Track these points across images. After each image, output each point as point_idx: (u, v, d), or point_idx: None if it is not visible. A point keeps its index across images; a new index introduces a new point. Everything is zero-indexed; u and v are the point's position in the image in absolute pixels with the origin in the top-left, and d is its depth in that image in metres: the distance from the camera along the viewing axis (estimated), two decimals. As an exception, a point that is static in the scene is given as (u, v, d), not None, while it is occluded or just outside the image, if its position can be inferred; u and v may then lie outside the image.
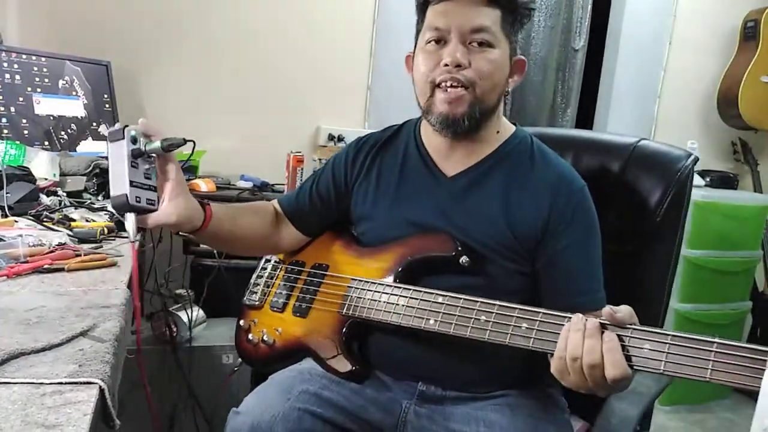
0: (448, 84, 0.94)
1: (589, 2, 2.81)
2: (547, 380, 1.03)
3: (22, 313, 0.77)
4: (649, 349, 0.72)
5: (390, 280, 0.99)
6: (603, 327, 0.75)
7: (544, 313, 0.82)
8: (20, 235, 1.06)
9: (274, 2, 2.32)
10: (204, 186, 1.99)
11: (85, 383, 0.60)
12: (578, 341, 0.75)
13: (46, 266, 0.96)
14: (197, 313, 1.73)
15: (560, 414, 1.03)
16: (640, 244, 1.13)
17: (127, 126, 0.86)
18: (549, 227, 0.96)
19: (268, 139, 2.35)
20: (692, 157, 1.12)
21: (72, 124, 1.90)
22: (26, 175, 1.38)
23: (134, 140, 0.85)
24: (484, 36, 0.94)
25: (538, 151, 1.03)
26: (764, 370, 0.63)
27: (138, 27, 2.17)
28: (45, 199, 1.37)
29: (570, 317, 0.79)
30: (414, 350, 0.99)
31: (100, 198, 1.53)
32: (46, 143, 1.80)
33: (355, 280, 1.02)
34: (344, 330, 1.01)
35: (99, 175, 1.56)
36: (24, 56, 1.81)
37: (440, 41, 0.96)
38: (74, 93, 1.92)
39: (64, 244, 1.09)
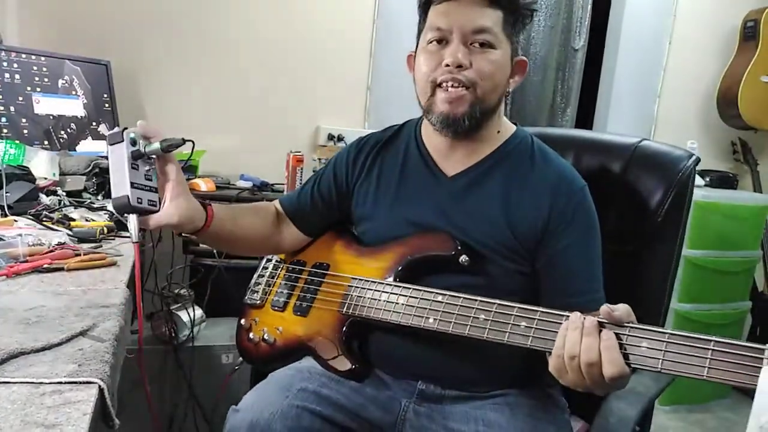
0: (449, 84, 0.95)
1: (589, 2, 2.81)
2: (547, 380, 1.03)
3: (22, 313, 0.77)
4: (647, 348, 0.72)
5: (390, 279, 0.99)
6: (601, 325, 0.75)
7: (542, 312, 0.82)
8: (20, 235, 1.06)
9: (274, 2, 2.32)
10: (204, 186, 1.99)
11: (84, 383, 0.60)
12: (576, 339, 0.75)
13: (45, 266, 0.96)
14: (197, 312, 1.73)
15: (560, 414, 1.03)
16: (641, 244, 1.13)
17: (126, 128, 0.86)
18: (549, 227, 0.96)
19: (267, 139, 2.35)
20: (694, 158, 1.12)
21: (72, 124, 1.90)
22: (26, 175, 1.38)
23: (133, 142, 0.86)
24: (485, 37, 0.94)
25: (538, 150, 1.03)
26: (761, 368, 0.63)
27: (138, 27, 2.16)
28: (44, 199, 1.37)
29: (568, 316, 0.79)
30: (413, 349, 0.99)
31: (99, 197, 1.53)
32: (46, 143, 1.80)
33: (356, 279, 1.02)
34: (344, 329, 1.01)
35: (98, 175, 1.56)
36: (24, 56, 1.81)
37: (442, 41, 0.96)
38: (74, 92, 1.92)
39: (64, 243, 1.09)
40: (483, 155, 1.03)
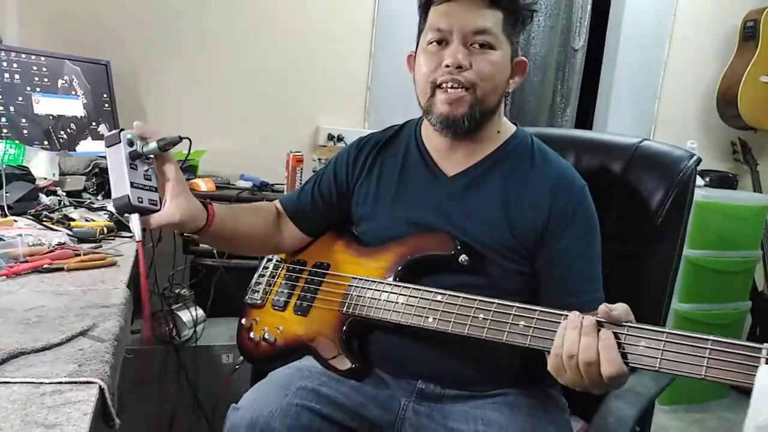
0: (449, 85, 0.95)
1: (588, 2, 2.81)
2: (547, 380, 1.03)
3: (22, 313, 0.77)
4: (645, 347, 0.73)
5: (390, 279, 0.99)
6: (599, 325, 0.76)
7: (541, 311, 0.82)
8: (20, 235, 1.06)
9: (274, 2, 2.32)
10: (204, 186, 1.99)
11: (84, 383, 0.60)
12: (575, 339, 0.75)
13: (45, 266, 0.96)
14: (197, 312, 1.73)
15: (560, 414, 1.03)
16: (641, 244, 1.13)
17: (122, 129, 0.87)
18: (549, 227, 0.96)
19: (267, 139, 2.35)
20: (695, 158, 1.12)
21: (71, 124, 1.90)
22: (26, 175, 1.38)
23: (131, 143, 0.87)
24: (485, 38, 0.95)
25: (538, 150, 1.03)
26: (758, 367, 0.63)
27: (138, 27, 2.16)
28: (44, 199, 1.37)
29: (567, 315, 0.79)
30: (413, 348, 0.99)
31: (99, 198, 1.53)
32: (46, 143, 1.80)
33: (356, 279, 1.02)
34: (344, 328, 1.01)
35: (98, 175, 1.56)
36: (23, 56, 1.81)
37: (442, 42, 0.96)
38: (74, 92, 1.92)
39: (64, 243, 1.08)
40: (483, 155, 1.03)
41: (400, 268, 1.00)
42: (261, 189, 2.14)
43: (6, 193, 1.27)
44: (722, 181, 2.75)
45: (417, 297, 0.93)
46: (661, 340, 0.72)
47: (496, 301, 0.86)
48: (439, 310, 0.90)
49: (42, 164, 1.51)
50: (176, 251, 1.86)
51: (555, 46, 2.83)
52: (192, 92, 2.26)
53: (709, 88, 2.90)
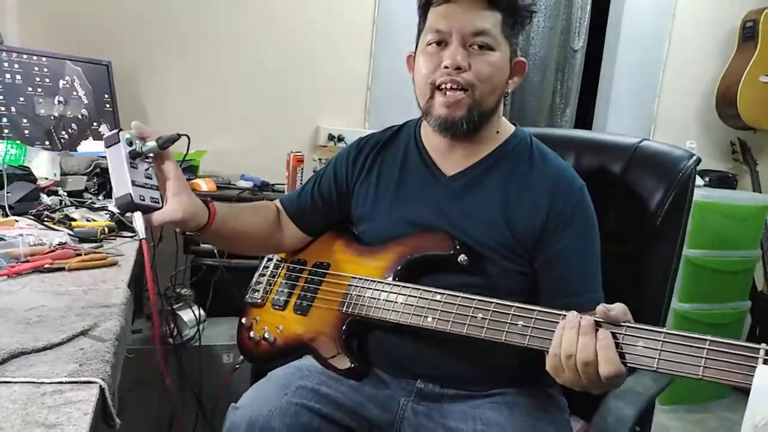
0: (448, 86, 0.95)
1: (588, 2, 2.81)
2: (547, 379, 1.03)
3: (23, 313, 0.77)
4: (643, 347, 0.73)
5: (389, 278, 1.00)
6: (597, 325, 0.76)
7: (539, 311, 0.83)
8: (21, 235, 1.06)
9: (274, 2, 2.32)
10: (204, 186, 1.99)
11: (85, 382, 0.60)
12: (573, 339, 0.75)
13: (46, 266, 0.96)
14: (198, 312, 1.73)
15: (559, 414, 1.03)
16: (641, 244, 1.13)
17: (121, 129, 0.88)
18: (548, 227, 0.96)
19: (268, 139, 2.35)
20: (694, 158, 1.12)
21: (73, 124, 1.90)
22: (27, 175, 1.38)
23: (130, 142, 0.87)
24: (484, 39, 0.95)
25: (537, 150, 1.04)
26: (755, 367, 0.64)
27: (138, 27, 2.17)
28: (45, 199, 1.37)
29: (565, 315, 0.79)
30: (412, 348, 0.99)
31: (100, 198, 1.54)
32: (47, 143, 1.80)
33: (355, 278, 1.02)
34: (344, 328, 1.02)
35: (99, 175, 1.56)
36: (24, 56, 1.81)
37: (441, 43, 0.96)
38: (75, 93, 1.92)
39: (65, 243, 1.09)
40: (482, 155, 1.03)
41: (399, 267, 1.00)
42: (261, 189, 2.14)
43: (7, 193, 1.27)
44: (722, 181, 2.75)
45: (416, 297, 0.93)
46: (659, 340, 0.72)
47: (495, 300, 0.86)
48: (438, 310, 0.90)
49: (43, 164, 1.51)
50: (177, 251, 1.86)
51: (554, 47, 2.83)
52: (193, 92, 2.26)
53: (708, 88, 2.90)
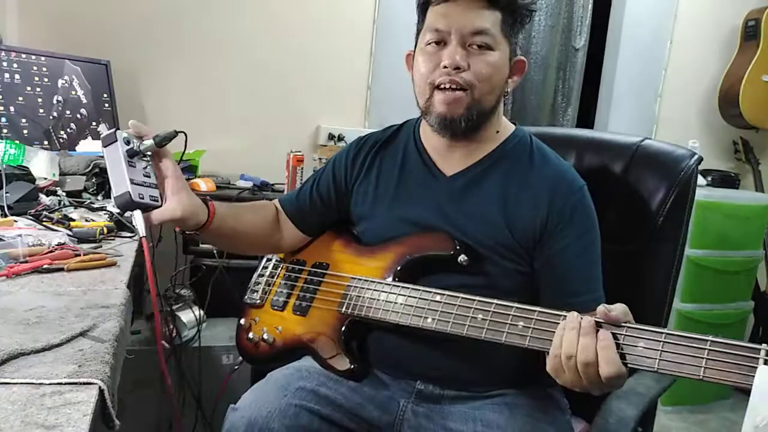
0: (447, 86, 0.95)
1: (589, 1, 2.81)
2: (547, 380, 1.02)
3: (22, 313, 0.77)
4: (644, 347, 0.73)
5: (389, 279, 0.99)
6: (598, 325, 0.75)
7: (539, 312, 0.82)
8: (19, 235, 1.06)
9: (274, 2, 2.31)
10: (204, 185, 1.99)
11: (84, 384, 0.60)
12: (573, 339, 0.75)
13: (45, 266, 0.96)
14: (198, 313, 1.73)
15: (560, 415, 1.03)
16: (643, 244, 1.12)
17: (118, 128, 0.88)
18: (548, 227, 0.96)
19: (268, 139, 2.35)
20: (696, 157, 1.11)
21: (71, 124, 1.90)
22: (26, 175, 1.38)
23: (127, 141, 0.87)
24: (483, 39, 0.94)
25: (537, 150, 1.03)
26: (756, 367, 0.63)
27: (138, 27, 2.16)
28: (44, 199, 1.37)
29: (565, 315, 0.79)
30: (412, 349, 0.99)
31: (99, 198, 1.53)
32: (46, 143, 1.80)
33: (355, 278, 1.02)
34: (343, 328, 1.01)
35: (98, 175, 1.56)
36: (23, 56, 1.81)
37: (440, 43, 0.96)
38: (74, 92, 1.92)
39: (64, 243, 1.08)
40: (482, 155, 1.03)
41: (399, 268, 0.99)
42: (261, 189, 2.14)
43: (6, 193, 1.27)
44: (724, 180, 2.75)
45: (416, 297, 0.93)
46: (660, 341, 0.72)
47: (495, 301, 0.86)
48: (437, 311, 0.90)
49: (42, 164, 1.51)
50: (177, 251, 1.86)
51: (556, 46, 2.83)
52: (192, 92, 2.26)
53: (710, 87, 2.89)
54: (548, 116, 2.91)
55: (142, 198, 0.86)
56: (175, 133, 0.90)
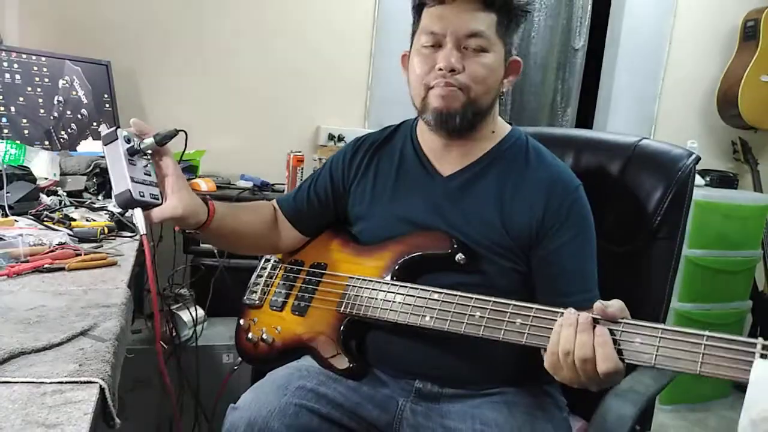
0: (442, 86, 0.95)
1: (589, 2, 2.81)
2: (546, 378, 1.03)
3: (23, 313, 0.77)
4: (640, 343, 0.73)
5: (387, 278, 1.00)
6: (595, 322, 0.76)
7: (537, 309, 0.83)
8: (20, 235, 1.06)
9: (274, 2, 2.32)
10: (204, 185, 1.99)
11: (85, 382, 0.60)
12: (570, 336, 0.76)
13: (46, 266, 0.96)
14: (197, 312, 1.73)
15: (558, 412, 1.03)
16: (641, 244, 1.13)
17: (118, 127, 0.88)
18: (543, 226, 0.96)
19: (268, 139, 2.35)
20: (693, 156, 1.12)
21: (72, 124, 1.90)
22: (26, 175, 1.38)
23: (127, 140, 0.87)
24: (478, 41, 0.94)
25: (533, 150, 1.04)
26: (752, 361, 0.64)
27: (138, 27, 2.17)
28: (45, 199, 1.37)
29: (562, 312, 0.79)
30: (411, 348, 0.99)
31: (100, 197, 1.54)
32: (47, 143, 1.80)
33: (353, 278, 1.02)
34: (342, 328, 1.02)
35: (99, 175, 1.56)
36: (24, 56, 1.81)
37: (435, 45, 0.96)
38: (74, 93, 1.92)
39: (65, 243, 1.09)
40: (478, 155, 1.03)
41: (397, 267, 1.00)
42: (261, 189, 2.15)
43: (7, 193, 1.27)
44: (723, 180, 2.75)
45: (414, 296, 0.93)
46: (657, 336, 0.72)
47: (493, 299, 0.86)
48: (435, 309, 0.90)
49: (43, 164, 1.51)
50: (176, 251, 1.86)
51: (555, 46, 2.83)
52: (192, 92, 2.26)
53: (709, 87, 2.89)
54: (547, 116, 2.91)
55: (143, 196, 0.86)
56: (176, 132, 0.90)
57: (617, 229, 1.13)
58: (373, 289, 0.99)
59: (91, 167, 1.57)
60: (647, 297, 1.12)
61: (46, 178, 1.49)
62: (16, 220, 1.21)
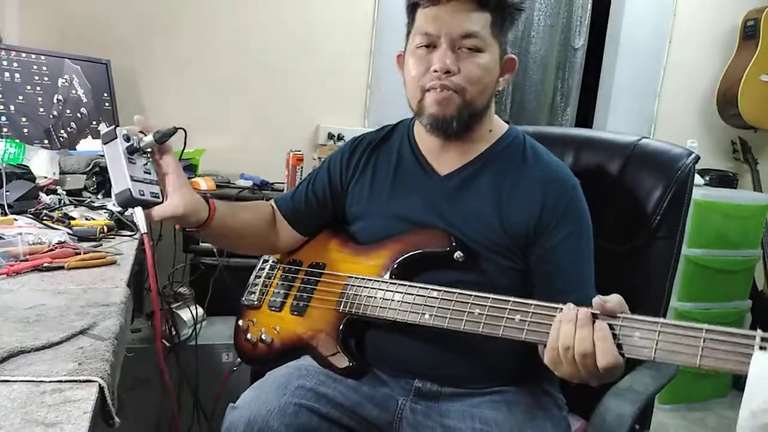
0: (438, 90, 0.95)
1: (589, 1, 2.81)
2: (545, 377, 1.03)
3: (22, 311, 0.77)
4: (639, 337, 0.73)
5: (386, 276, 1.00)
6: (594, 317, 0.76)
7: (536, 305, 0.83)
8: (20, 234, 1.06)
9: (274, 2, 2.31)
10: (204, 184, 1.99)
11: (84, 381, 0.60)
12: (570, 331, 0.76)
13: (45, 264, 0.96)
14: (197, 311, 1.73)
15: (558, 411, 1.03)
16: (640, 243, 1.13)
17: (118, 125, 0.88)
18: (540, 225, 0.96)
19: (267, 138, 2.35)
20: (693, 156, 1.12)
21: (72, 123, 1.90)
22: (26, 174, 1.38)
23: (127, 138, 0.87)
24: (473, 41, 0.94)
25: (530, 149, 1.04)
26: (752, 354, 0.64)
27: (138, 26, 2.17)
28: (45, 198, 1.37)
29: (561, 308, 0.79)
30: (410, 347, 0.99)
31: (99, 196, 1.54)
32: (46, 142, 1.80)
33: (352, 277, 1.02)
34: (341, 327, 1.02)
35: (98, 174, 1.56)
36: (24, 55, 1.81)
37: (430, 46, 0.96)
38: (74, 92, 1.92)
39: (64, 242, 1.09)
40: (475, 154, 1.03)
41: (395, 265, 1.00)
42: (261, 188, 2.15)
43: (6, 191, 1.27)
44: (722, 180, 2.75)
45: (413, 294, 0.93)
46: (656, 330, 0.72)
47: (492, 296, 0.86)
48: (435, 307, 0.90)
49: (42, 163, 1.51)
50: (176, 250, 1.86)
51: (555, 45, 2.83)
52: (192, 91, 2.26)
53: (709, 87, 2.89)
54: (547, 116, 2.91)
55: (143, 195, 0.86)
56: (175, 130, 0.90)
57: (617, 229, 1.13)
58: (372, 288, 0.99)
59: (90, 166, 1.57)
60: (647, 296, 1.12)
61: (45, 177, 1.49)
62: (16, 219, 1.21)
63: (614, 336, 0.74)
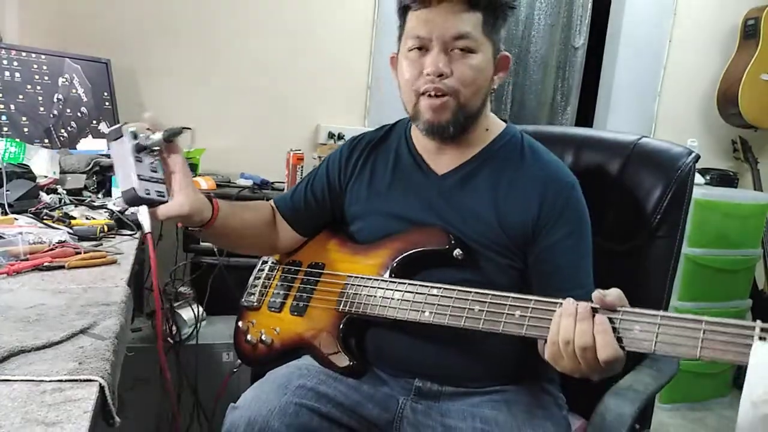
0: (432, 93, 0.95)
1: (589, 0, 2.81)
2: (545, 376, 1.03)
3: (22, 311, 0.77)
4: (639, 330, 0.73)
5: (385, 275, 1.00)
6: (594, 311, 0.76)
7: (536, 300, 0.83)
8: (20, 233, 1.06)
9: (274, 2, 2.31)
10: (204, 184, 1.99)
11: (85, 381, 0.60)
12: (570, 325, 0.76)
13: (46, 264, 0.96)
14: (198, 311, 1.73)
15: (558, 410, 1.03)
16: (640, 242, 1.13)
17: (125, 123, 0.86)
18: (539, 223, 0.96)
19: (268, 137, 2.35)
20: (693, 155, 1.12)
21: (72, 122, 1.90)
22: (26, 173, 1.38)
23: (134, 136, 0.86)
24: (465, 42, 0.93)
25: (528, 147, 1.03)
26: (751, 344, 0.64)
27: (138, 25, 2.17)
28: (45, 197, 1.37)
29: (561, 303, 0.79)
30: (411, 346, 0.99)
31: (100, 196, 1.54)
32: (46, 141, 1.80)
33: (351, 276, 1.02)
34: (341, 326, 1.02)
35: (99, 173, 1.57)
36: (24, 54, 1.81)
37: (422, 48, 0.95)
38: (74, 91, 1.92)
39: (64, 241, 1.09)
40: (472, 154, 1.03)
41: (395, 264, 1.00)
42: (261, 187, 2.15)
43: (6, 191, 1.27)
44: (723, 179, 2.75)
45: (413, 292, 0.93)
46: (656, 323, 0.72)
47: (491, 292, 0.86)
48: (435, 304, 0.90)
49: (42, 162, 1.51)
50: (177, 249, 1.86)
51: (555, 44, 2.83)
52: (192, 90, 2.26)
53: (709, 86, 2.89)
54: (547, 115, 2.91)
55: (149, 193, 0.85)
56: (182, 129, 0.89)
57: (617, 228, 1.13)
58: (371, 287, 0.99)
59: (91, 165, 1.57)
60: (647, 296, 1.12)
61: (45, 176, 1.49)
62: (16, 219, 1.21)
63: (614, 329, 0.74)
